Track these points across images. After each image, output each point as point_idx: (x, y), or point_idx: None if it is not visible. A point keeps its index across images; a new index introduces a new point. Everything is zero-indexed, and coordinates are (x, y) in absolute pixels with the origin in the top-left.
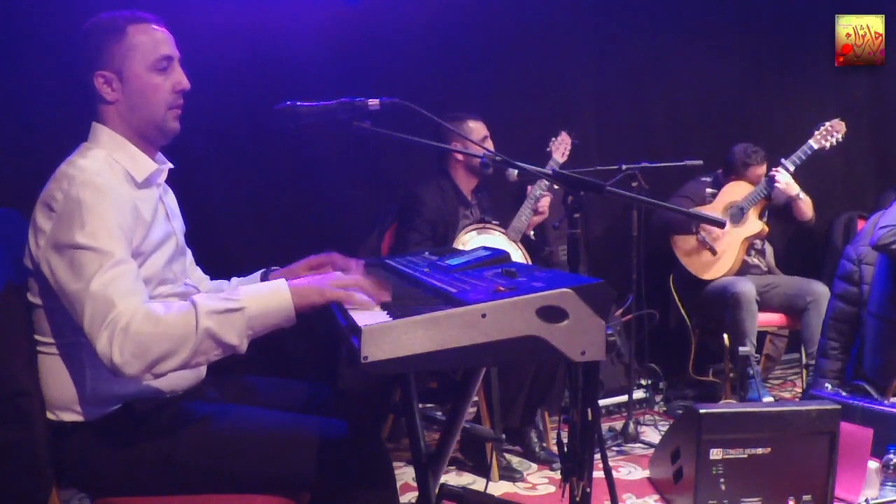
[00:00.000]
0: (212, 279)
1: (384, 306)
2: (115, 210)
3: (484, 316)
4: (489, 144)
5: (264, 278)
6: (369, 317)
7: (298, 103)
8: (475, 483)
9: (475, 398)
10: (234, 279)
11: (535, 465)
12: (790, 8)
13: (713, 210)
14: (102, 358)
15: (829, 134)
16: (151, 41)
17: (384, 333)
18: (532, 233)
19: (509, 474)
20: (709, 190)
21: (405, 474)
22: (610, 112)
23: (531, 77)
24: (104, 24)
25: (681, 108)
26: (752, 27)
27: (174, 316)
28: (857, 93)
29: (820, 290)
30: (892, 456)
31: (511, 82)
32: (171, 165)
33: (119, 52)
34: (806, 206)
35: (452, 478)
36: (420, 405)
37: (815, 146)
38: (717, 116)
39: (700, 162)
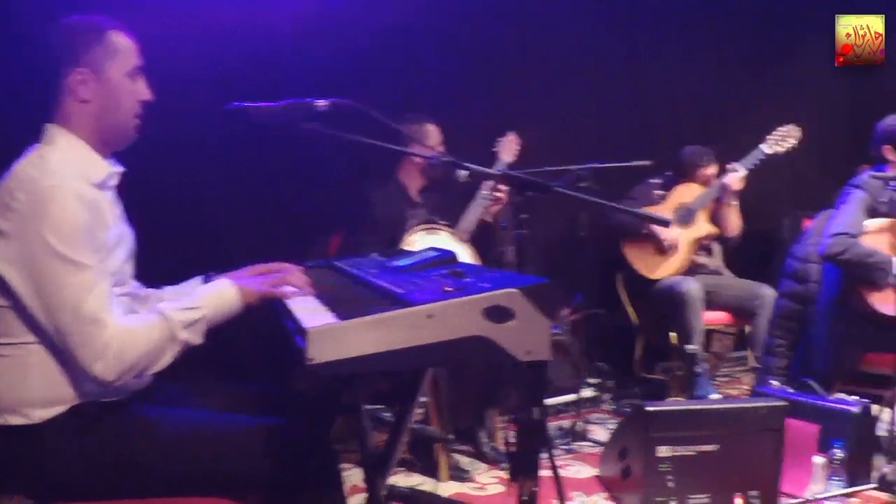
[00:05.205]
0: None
1: (331, 308)
2: (81, 212)
3: (430, 317)
4: (439, 147)
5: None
6: (315, 318)
7: (247, 104)
8: (424, 483)
9: (424, 399)
10: (168, 288)
11: (484, 465)
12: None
13: (662, 211)
14: (96, 381)
15: (783, 139)
16: (128, 48)
17: (330, 335)
18: (493, 221)
19: (458, 474)
20: (657, 192)
21: (355, 476)
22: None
23: (479, 77)
24: (84, 25)
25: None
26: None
27: (155, 331)
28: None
29: (768, 294)
30: (837, 451)
31: (460, 83)
32: (123, 169)
33: (100, 54)
34: (734, 216)
35: (402, 478)
36: (369, 406)
37: (768, 151)
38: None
39: (649, 162)
